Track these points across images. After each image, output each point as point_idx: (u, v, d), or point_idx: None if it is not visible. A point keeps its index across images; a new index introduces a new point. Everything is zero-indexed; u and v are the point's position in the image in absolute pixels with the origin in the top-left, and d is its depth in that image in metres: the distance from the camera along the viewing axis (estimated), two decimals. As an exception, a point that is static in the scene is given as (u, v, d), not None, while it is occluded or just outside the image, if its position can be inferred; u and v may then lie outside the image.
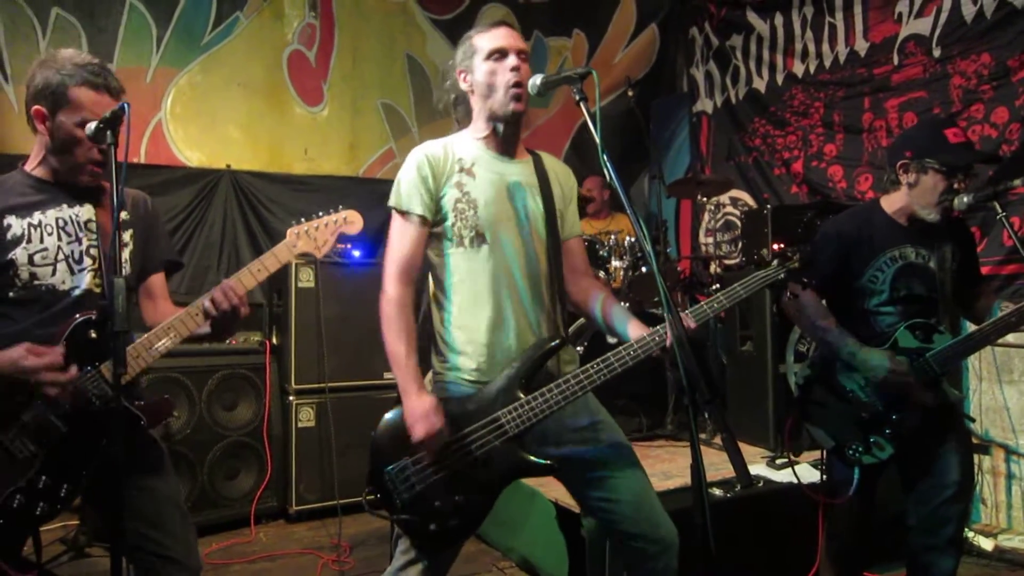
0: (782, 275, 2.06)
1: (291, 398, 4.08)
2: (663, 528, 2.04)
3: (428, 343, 2.13)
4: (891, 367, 2.37)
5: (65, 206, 1.99)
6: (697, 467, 1.46)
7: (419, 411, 1.90)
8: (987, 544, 3.64)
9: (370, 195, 4.34)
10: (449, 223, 2.04)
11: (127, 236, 2.07)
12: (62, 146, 1.93)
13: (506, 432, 1.93)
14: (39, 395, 1.82)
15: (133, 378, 1.96)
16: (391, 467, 1.97)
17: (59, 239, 1.95)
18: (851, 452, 2.45)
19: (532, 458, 1.95)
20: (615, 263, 4.65)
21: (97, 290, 1.98)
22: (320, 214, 2.15)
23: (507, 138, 2.12)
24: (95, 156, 1.93)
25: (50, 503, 1.86)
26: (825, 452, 2.63)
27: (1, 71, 4.26)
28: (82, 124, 1.88)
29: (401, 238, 2.05)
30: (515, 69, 2.03)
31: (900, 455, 2.44)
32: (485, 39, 2.08)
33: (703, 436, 4.26)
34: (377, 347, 2.06)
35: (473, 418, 1.95)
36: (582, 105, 1.80)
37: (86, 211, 2.01)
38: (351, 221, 2.16)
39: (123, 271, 1.99)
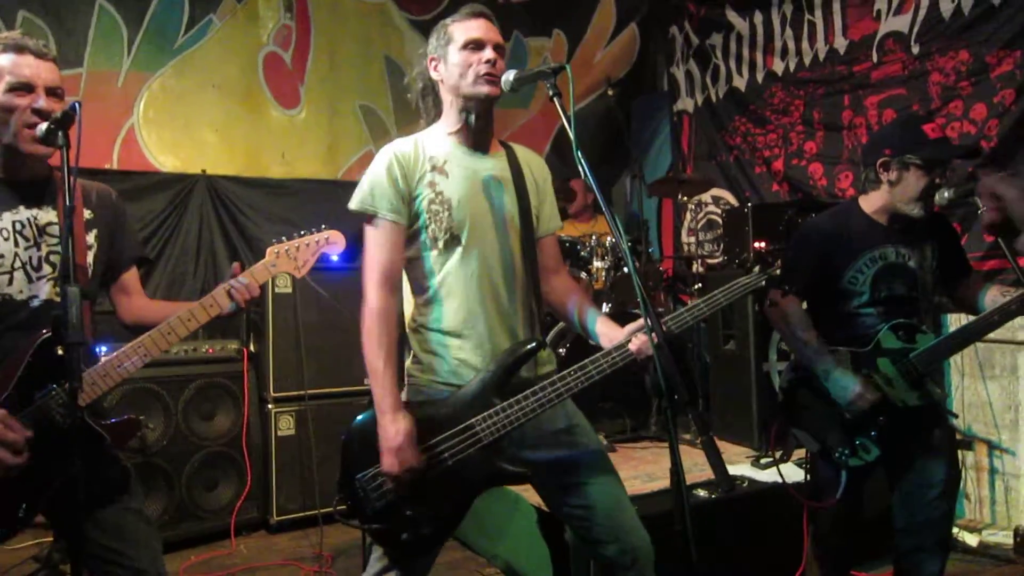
0: (763, 282, 2.01)
1: (270, 406, 4.01)
2: (636, 537, 1.99)
3: (403, 345, 2.08)
4: (858, 392, 2.34)
5: (22, 208, 1.89)
6: (677, 473, 1.42)
7: (393, 441, 1.84)
8: (972, 540, 3.64)
9: (349, 198, 4.25)
10: (422, 225, 1.98)
11: (91, 237, 1.98)
12: (1, 121, 1.84)
13: (480, 440, 1.88)
14: None
15: (98, 396, 1.88)
16: (362, 475, 1.91)
17: (16, 244, 1.86)
18: (838, 455, 2.42)
19: (507, 466, 1.91)
20: (597, 264, 4.62)
21: (58, 299, 1.88)
22: (302, 232, 2.08)
23: (479, 130, 2.05)
24: (30, 119, 1.82)
25: (7, 524, 1.78)
26: (808, 454, 2.60)
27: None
28: (10, 88, 1.81)
29: (378, 244, 1.97)
30: (490, 61, 1.96)
31: (886, 455, 2.42)
32: (462, 28, 2.00)
33: (687, 436, 4.22)
34: (357, 353, 1.99)
35: (446, 425, 1.90)
36: (556, 101, 1.75)
37: (45, 214, 1.92)
38: (333, 241, 2.09)
39: (86, 274, 1.91)
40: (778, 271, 2.02)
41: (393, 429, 1.84)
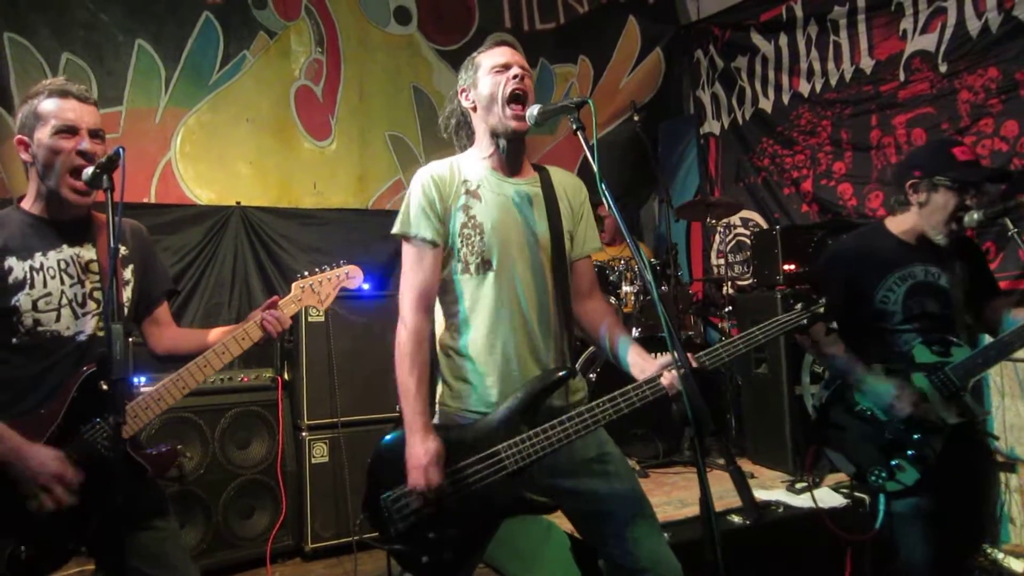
0: (804, 321, 1.97)
1: (304, 434, 4.05)
2: (665, 565, 1.99)
3: (434, 369, 2.11)
4: (895, 393, 2.31)
5: (65, 247, 1.98)
6: (706, 502, 1.42)
7: (422, 460, 1.87)
8: (1017, 565, 3.54)
9: (379, 227, 4.30)
10: (455, 249, 2.02)
11: (128, 272, 2.06)
12: (44, 163, 1.93)
13: (505, 467, 1.89)
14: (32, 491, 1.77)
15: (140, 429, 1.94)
16: (387, 495, 1.93)
17: (62, 283, 1.94)
18: (873, 478, 2.38)
19: (531, 495, 1.91)
20: (625, 288, 4.63)
21: (102, 334, 1.97)
22: (324, 267, 2.22)
23: (512, 155, 2.10)
24: (75, 161, 1.91)
25: (55, 558, 1.83)
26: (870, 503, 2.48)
27: (12, 117, 4.30)
28: (56, 132, 1.90)
29: (415, 265, 2.02)
30: (516, 77, 2.02)
31: (927, 479, 2.34)
32: (488, 56, 2.09)
33: (720, 461, 4.19)
34: (389, 380, 2.03)
35: (472, 450, 1.92)
36: (579, 135, 1.79)
37: (87, 252, 2.00)
38: (352, 276, 2.26)
39: (123, 313, 1.98)
40: (822, 309, 1.97)
41: (422, 449, 1.87)
